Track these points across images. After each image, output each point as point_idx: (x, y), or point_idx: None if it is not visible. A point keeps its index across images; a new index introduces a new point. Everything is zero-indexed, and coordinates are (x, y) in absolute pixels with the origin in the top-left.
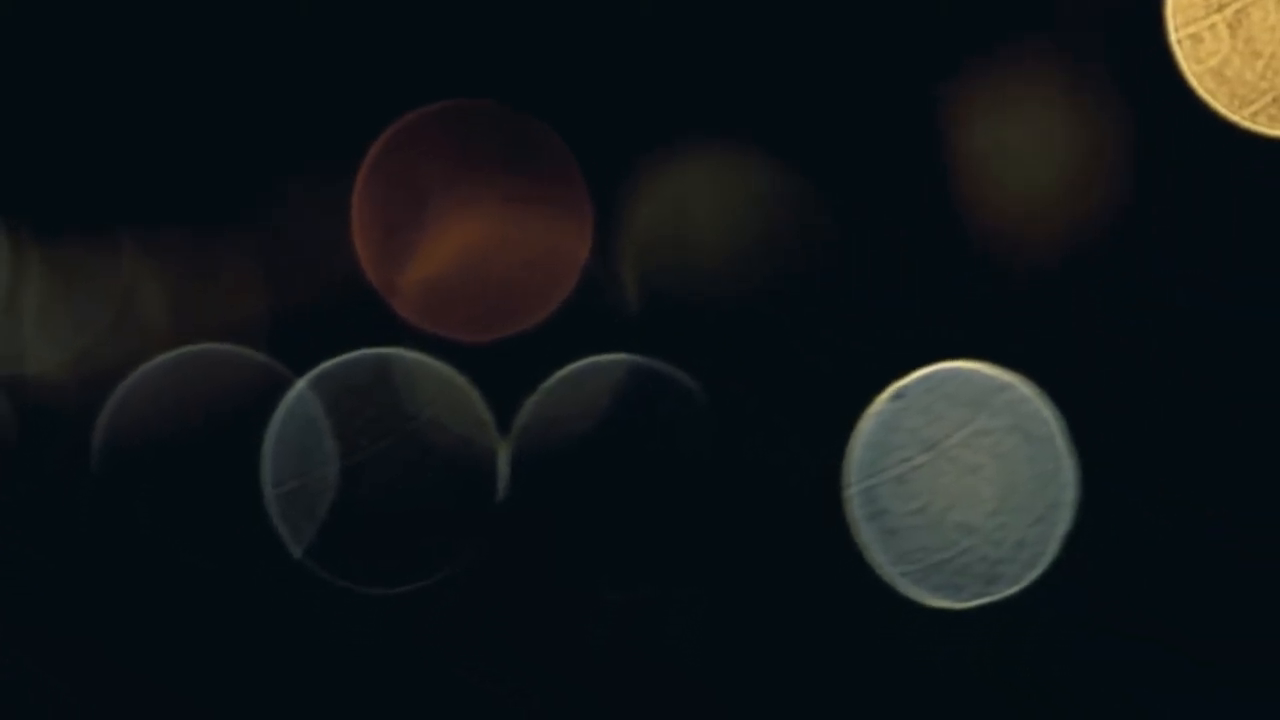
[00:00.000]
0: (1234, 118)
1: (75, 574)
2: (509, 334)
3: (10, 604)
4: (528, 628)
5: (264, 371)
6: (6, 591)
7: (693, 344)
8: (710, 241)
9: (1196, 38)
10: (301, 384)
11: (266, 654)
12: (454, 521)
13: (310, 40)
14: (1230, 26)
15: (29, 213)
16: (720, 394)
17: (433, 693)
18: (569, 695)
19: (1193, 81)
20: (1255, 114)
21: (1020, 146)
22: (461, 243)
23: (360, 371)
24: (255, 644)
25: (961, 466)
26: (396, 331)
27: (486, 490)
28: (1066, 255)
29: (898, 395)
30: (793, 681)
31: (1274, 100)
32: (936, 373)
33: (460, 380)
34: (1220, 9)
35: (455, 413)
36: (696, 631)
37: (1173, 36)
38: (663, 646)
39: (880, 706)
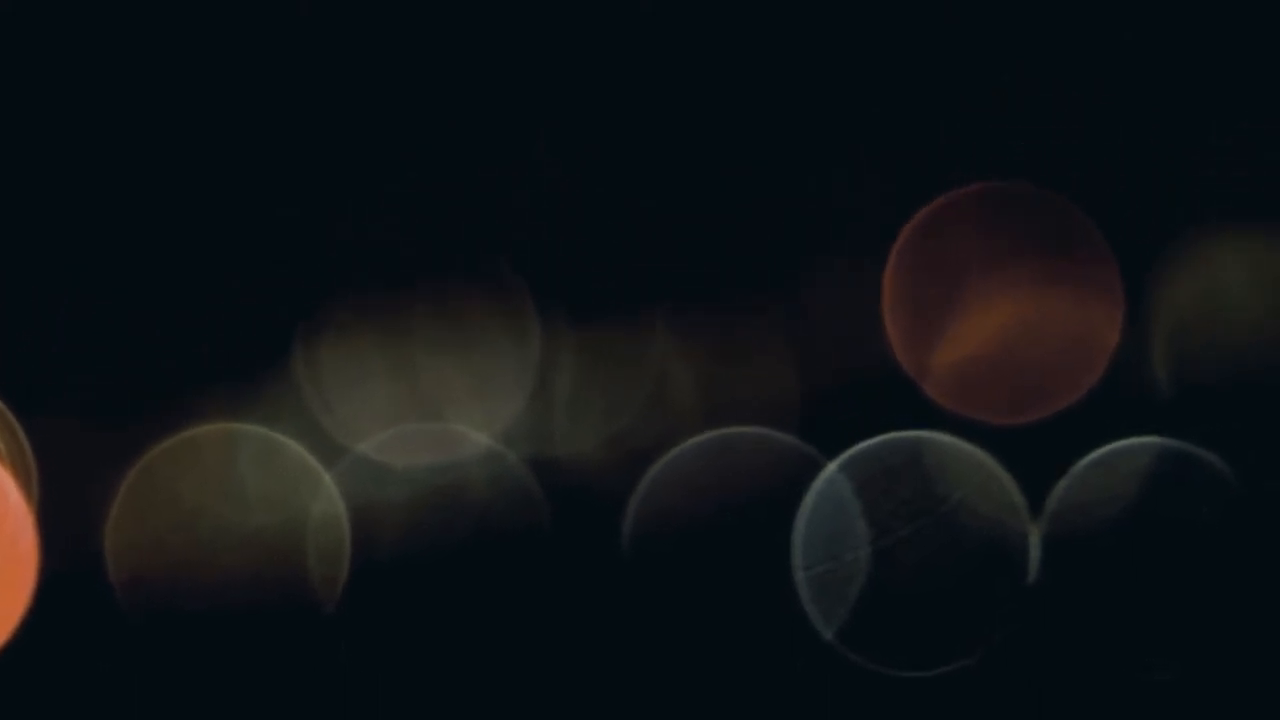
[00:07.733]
0: None
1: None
2: (1040, 417)
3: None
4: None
5: (795, 454)
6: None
7: (1225, 427)
8: (1243, 324)
9: None
10: (832, 467)
11: None
12: (987, 604)
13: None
14: None
15: (560, 294)
16: (1254, 478)
17: None
18: None
19: None
20: None
21: None
22: (993, 325)
23: (892, 454)
24: None
25: None
26: (927, 414)
27: (1018, 573)
28: None
29: None
30: None
31: None
32: None
33: (991, 463)
34: None
35: (987, 496)
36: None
37: None
38: None
39: None
